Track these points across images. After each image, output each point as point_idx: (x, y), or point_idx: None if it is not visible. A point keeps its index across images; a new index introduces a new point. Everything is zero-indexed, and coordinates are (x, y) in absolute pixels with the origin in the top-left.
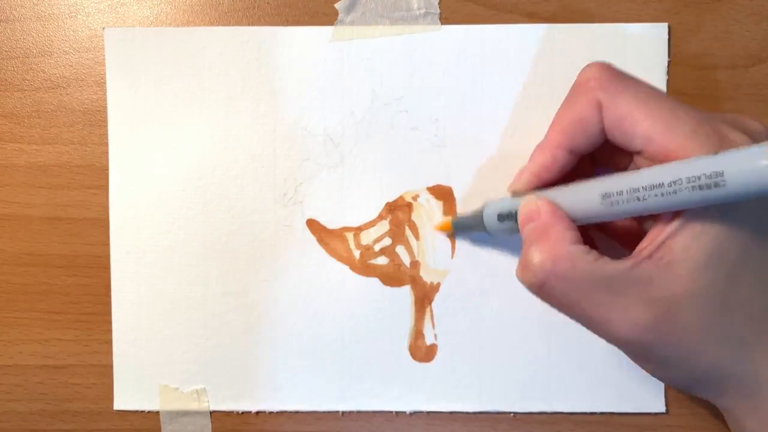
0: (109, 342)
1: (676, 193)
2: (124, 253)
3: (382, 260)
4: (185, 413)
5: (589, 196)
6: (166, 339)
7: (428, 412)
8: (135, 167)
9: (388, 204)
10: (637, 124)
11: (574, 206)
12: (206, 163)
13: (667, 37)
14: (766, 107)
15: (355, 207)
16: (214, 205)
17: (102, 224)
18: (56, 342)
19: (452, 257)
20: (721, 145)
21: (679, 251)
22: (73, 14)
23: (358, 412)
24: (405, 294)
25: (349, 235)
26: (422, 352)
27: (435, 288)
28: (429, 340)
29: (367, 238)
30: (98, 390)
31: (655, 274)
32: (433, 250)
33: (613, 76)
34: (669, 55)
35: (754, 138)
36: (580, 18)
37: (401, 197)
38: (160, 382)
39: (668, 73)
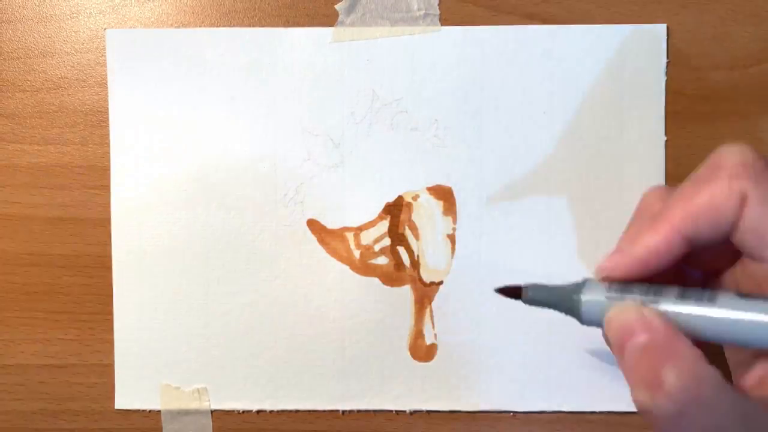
0: (111, 341)
1: None
2: (126, 253)
3: (382, 260)
4: (186, 412)
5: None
6: (167, 338)
7: (428, 412)
8: (136, 168)
9: (388, 204)
10: None
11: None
12: (207, 163)
13: (666, 37)
14: (765, 107)
15: (356, 207)
16: (215, 205)
17: (103, 224)
18: (58, 341)
19: (452, 257)
20: None
21: None
22: (75, 15)
23: (358, 412)
24: (405, 294)
25: (350, 235)
26: (422, 352)
27: (435, 288)
28: (429, 340)
29: (367, 238)
30: (100, 389)
31: None
32: (433, 250)
33: (766, 167)
34: (668, 56)
35: None
36: (579, 19)
37: (401, 197)
38: (161, 381)
39: (667, 73)
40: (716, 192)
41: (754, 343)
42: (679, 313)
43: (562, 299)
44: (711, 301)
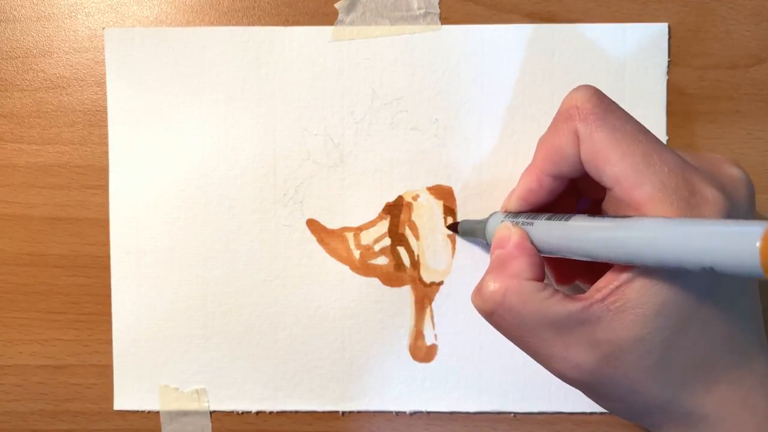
0: (110, 342)
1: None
2: (125, 253)
3: (382, 260)
4: (185, 413)
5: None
6: (166, 339)
7: (428, 412)
8: (135, 167)
9: (388, 204)
10: (608, 164)
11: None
12: (206, 163)
13: (667, 37)
14: (766, 107)
15: (355, 207)
16: (214, 205)
17: (102, 224)
18: (56, 342)
19: (452, 257)
20: (689, 202)
21: (633, 299)
22: (73, 14)
23: (358, 412)
24: (405, 294)
25: (349, 235)
26: (422, 352)
27: (435, 288)
28: (429, 340)
29: (367, 238)
30: (98, 390)
31: (605, 317)
32: (433, 250)
33: (596, 106)
34: (669, 55)
35: (729, 191)
36: (580, 18)
37: (401, 197)
38: (160, 382)
39: (668, 73)
40: (558, 134)
41: (592, 255)
42: (545, 231)
43: (479, 228)
44: (566, 221)
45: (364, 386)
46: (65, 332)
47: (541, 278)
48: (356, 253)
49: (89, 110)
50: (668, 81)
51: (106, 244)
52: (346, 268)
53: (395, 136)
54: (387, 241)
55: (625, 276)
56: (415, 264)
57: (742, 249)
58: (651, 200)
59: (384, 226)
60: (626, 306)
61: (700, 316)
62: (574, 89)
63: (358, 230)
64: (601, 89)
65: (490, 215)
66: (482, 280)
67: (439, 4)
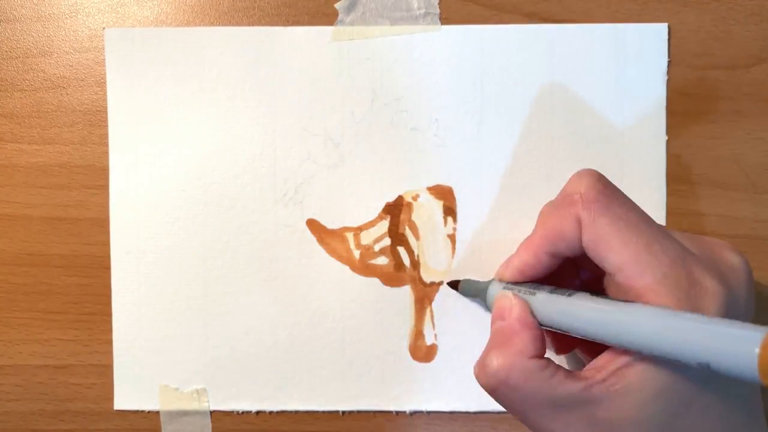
0: (110, 342)
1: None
2: (125, 253)
3: (382, 260)
4: (185, 413)
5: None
6: (166, 339)
7: (428, 412)
8: (135, 167)
9: (388, 204)
10: (611, 252)
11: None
12: (206, 163)
13: (667, 37)
14: (766, 107)
15: (355, 207)
16: (215, 205)
17: (102, 224)
18: (56, 342)
19: (452, 257)
20: (688, 294)
21: (633, 382)
22: (74, 14)
23: (358, 412)
24: (405, 294)
25: (349, 235)
26: (422, 352)
27: (435, 288)
28: (429, 340)
29: (367, 238)
30: (98, 390)
31: (605, 398)
32: (433, 250)
33: (599, 193)
34: (669, 55)
35: (728, 280)
36: (580, 18)
37: (401, 197)
38: (160, 382)
39: (668, 73)
40: (560, 218)
41: (592, 336)
42: (546, 304)
43: (479, 291)
44: (569, 297)
45: (364, 386)
46: (65, 332)
47: (542, 353)
48: (356, 253)
49: (89, 110)
50: (668, 81)
51: (106, 244)
52: (346, 268)
53: (395, 136)
54: (387, 241)
55: (625, 358)
56: (415, 264)
57: (741, 353)
58: (652, 290)
59: (384, 226)
60: (626, 389)
61: (699, 401)
62: (577, 174)
63: (358, 230)
64: (603, 90)
65: (491, 281)
66: (485, 354)
67: (439, 4)
